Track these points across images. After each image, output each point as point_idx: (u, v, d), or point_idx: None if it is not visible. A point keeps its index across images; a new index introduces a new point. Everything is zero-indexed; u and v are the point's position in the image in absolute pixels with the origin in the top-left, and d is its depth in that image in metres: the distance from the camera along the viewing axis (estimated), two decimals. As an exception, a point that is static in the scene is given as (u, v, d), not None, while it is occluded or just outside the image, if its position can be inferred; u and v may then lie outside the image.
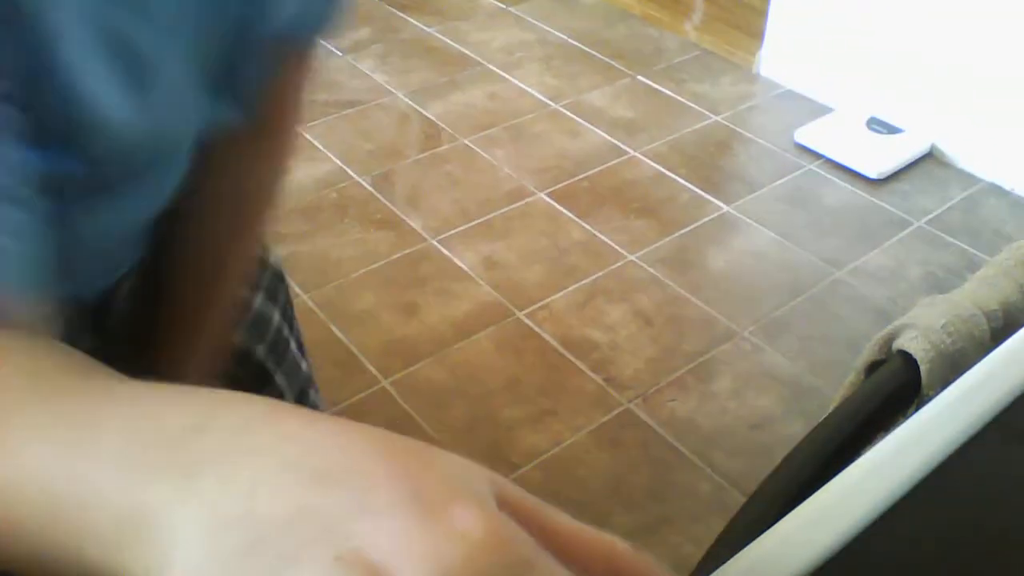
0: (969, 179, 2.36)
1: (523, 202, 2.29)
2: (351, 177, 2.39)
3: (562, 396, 1.78)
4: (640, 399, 1.76)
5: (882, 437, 0.54)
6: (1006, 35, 2.20)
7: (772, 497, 0.53)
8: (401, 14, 3.18)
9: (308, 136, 2.55)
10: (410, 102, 2.70)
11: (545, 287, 2.03)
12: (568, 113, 2.62)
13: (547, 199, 2.29)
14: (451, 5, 3.22)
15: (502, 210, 2.26)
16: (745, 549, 0.41)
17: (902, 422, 0.50)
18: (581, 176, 2.37)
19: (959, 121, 2.37)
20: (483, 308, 1.98)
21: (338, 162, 2.44)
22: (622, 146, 2.48)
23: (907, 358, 0.57)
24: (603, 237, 2.16)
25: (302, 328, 0.82)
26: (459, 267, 2.09)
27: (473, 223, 2.22)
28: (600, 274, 2.06)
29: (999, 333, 0.57)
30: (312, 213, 2.26)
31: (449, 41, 3.00)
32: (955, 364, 0.56)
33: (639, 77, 2.80)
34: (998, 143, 2.31)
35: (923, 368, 0.56)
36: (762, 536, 0.42)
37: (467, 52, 2.93)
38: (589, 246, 2.13)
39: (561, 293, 2.01)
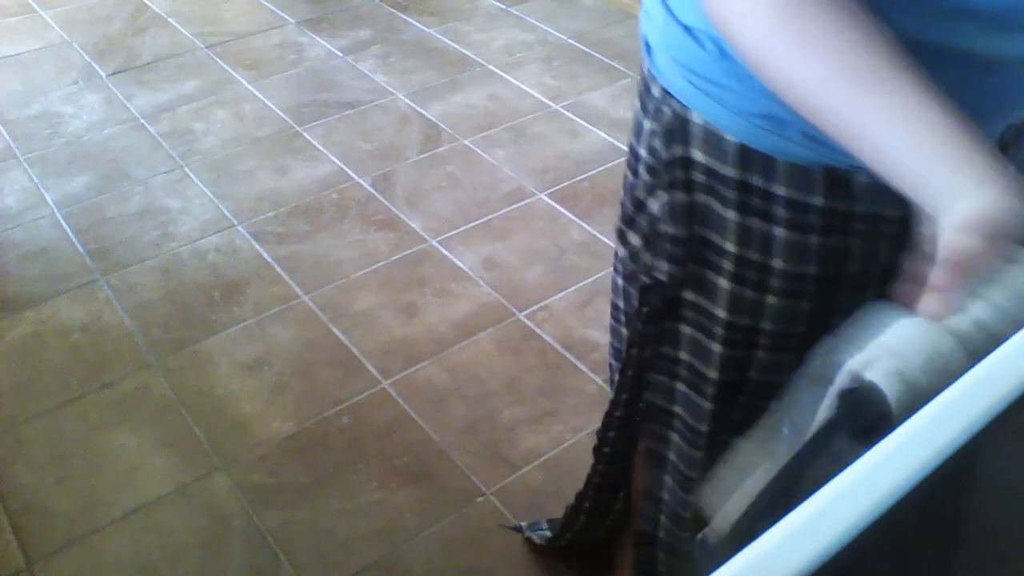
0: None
1: (523, 203, 2.29)
2: (351, 178, 2.39)
3: (562, 397, 1.78)
4: (640, 400, 1.76)
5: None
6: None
7: (774, 498, 0.53)
8: (401, 15, 3.18)
9: (308, 136, 2.55)
10: (410, 103, 2.70)
11: (545, 288, 2.03)
12: (568, 114, 2.62)
13: (547, 200, 2.29)
14: (451, 6, 3.22)
15: (502, 211, 2.26)
16: (746, 549, 0.41)
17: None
18: (581, 177, 2.37)
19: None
20: (483, 309, 1.98)
21: (338, 163, 2.45)
22: (622, 147, 2.48)
23: (879, 392, 0.55)
24: (603, 238, 2.16)
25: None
26: (459, 268, 2.09)
27: (473, 224, 2.22)
28: (600, 275, 2.06)
29: (978, 352, 0.55)
30: (312, 213, 2.27)
31: (449, 42, 3.00)
32: (927, 397, 0.54)
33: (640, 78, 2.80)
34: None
35: (896, 412, 0.54)
36: (762, 536, 0.42)
37: (467, 53, 2.93)
38: (589, 247, 2.14)
39: (561, 294, 2.01)
